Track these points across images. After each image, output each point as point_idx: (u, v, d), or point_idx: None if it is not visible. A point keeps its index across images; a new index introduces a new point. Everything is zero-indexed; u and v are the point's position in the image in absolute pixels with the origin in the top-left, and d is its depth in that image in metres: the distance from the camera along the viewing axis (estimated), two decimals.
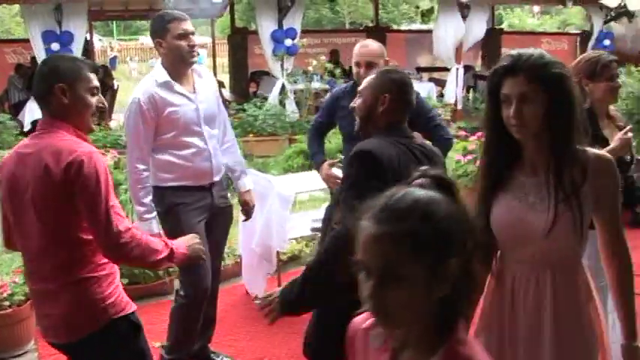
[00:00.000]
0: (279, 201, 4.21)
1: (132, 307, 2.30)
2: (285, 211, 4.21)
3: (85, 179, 2.07)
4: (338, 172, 3.57)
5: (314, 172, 5.35)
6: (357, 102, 2.47)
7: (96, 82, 2.25)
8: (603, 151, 1.91)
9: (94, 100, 2.23)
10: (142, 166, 3.15)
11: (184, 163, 3.22)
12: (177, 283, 3.99)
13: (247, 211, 3.66)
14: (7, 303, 3.78)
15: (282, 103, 9.90)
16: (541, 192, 1.86)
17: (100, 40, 19.63)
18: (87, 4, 9.28)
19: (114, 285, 2.25)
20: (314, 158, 3.85)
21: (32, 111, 9.33)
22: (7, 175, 2.20)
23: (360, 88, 2.49)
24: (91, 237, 2.15)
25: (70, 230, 2.14)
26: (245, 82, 12.25)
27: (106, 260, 2.23)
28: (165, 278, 4.64)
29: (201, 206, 3.28)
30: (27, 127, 9.39)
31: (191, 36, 3.15)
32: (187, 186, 3.25)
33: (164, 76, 3.16)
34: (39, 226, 2.14)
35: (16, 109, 10.20)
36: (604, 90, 3.07)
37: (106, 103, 2.34)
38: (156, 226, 3.20)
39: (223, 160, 3.46)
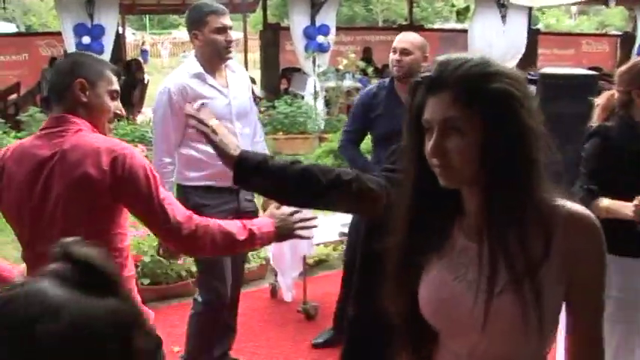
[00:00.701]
0: None
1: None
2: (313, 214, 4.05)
3: (135, 175, 1.90)
4: None
5: None
6: None
7: (117, 86, 2.08)
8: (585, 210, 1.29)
9: (112, 104, 2.05)
10: (168, 159, 3.07)
11: (211, 161, 3.03)
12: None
13: None
14: None
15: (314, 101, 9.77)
16: (483, 266, 1.25)
17: (133, 33, 19.71)
18: None
19: None
20: None
21: None
22: (14, 180, 1.96)
23: None
24: (122, 246, 2.00)
25: (104, 239, 1.93)
26: (276, 78, 12.13)
27: (131, 274, 2.08)
28: (188, 279, 4.52)
29: (227, 209, 3.12)
30: None
31: (229, 31, 3.04)
32: (213, 187, 3.09)
33: (197, 67, 3.06)
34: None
35: (47, 102, 10.21)
36: None
37: (123, 111, 2.16)
38: None
39: None
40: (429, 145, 1.22)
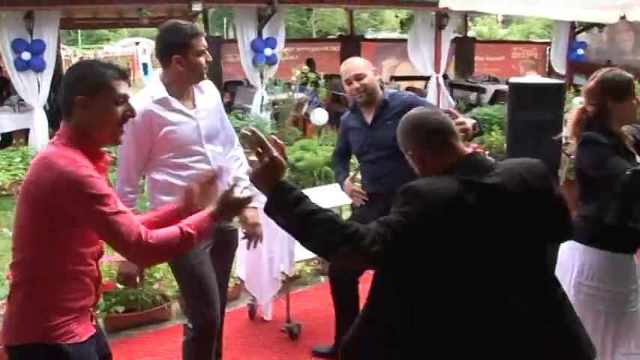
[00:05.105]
0: None
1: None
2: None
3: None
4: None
5: (326, 186, 5.25)
6: None
7: (122, 90, 2.07)
8: None
9: (119, 109, 2.06)
10: (128, 188, 2.94)
11: (185, 185, 2.95)
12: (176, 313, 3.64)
13: (249, 234, 3.28)
14: None
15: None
16: None
17: (63, 49, 18.96)
18: (59, 12, 8.87)
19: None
20: (338, 178, 3.83)
21: (2, 125, 8.93)
22: None
23: None
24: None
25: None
26: (220, 93, 11.97)
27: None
28: (164, 304, 4.36)
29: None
30: None
31: (207, 51, 2.94)
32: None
33: (161, 92, 2.90)
34: None
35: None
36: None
37: (134, 111, 2.14)
38: None
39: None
40: None
